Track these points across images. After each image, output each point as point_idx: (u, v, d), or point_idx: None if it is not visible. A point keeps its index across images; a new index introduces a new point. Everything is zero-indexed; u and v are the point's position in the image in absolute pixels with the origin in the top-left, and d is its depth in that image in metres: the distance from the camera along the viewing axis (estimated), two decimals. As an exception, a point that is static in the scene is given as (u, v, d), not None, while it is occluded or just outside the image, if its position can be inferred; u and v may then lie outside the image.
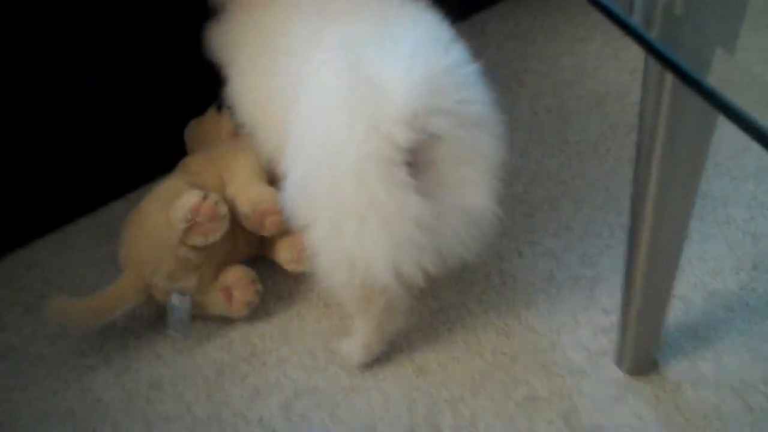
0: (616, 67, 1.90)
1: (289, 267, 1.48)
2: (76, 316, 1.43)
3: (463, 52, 1.17)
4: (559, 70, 1.90)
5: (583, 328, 1.42)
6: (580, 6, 2.07)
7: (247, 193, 1.43)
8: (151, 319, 1.50)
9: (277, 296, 1.52)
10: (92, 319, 1.44)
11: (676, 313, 1.42)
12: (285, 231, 1.41)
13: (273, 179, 1.44)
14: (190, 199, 1.38)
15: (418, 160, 1.11)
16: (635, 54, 1.89)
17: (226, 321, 1.48)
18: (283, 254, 1.48)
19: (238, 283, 1.45)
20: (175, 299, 1.43)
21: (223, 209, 1.40)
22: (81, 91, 1.56)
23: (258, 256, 1.53)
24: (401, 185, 1.10)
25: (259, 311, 1.49)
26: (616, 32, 1.93)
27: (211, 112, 1.62)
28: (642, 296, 1.27)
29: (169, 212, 1.39)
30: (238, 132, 1.53)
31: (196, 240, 1.40)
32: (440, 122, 1.09)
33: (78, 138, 1.60)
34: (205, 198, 1.38)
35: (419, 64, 1.09)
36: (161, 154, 1.59)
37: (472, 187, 1.16)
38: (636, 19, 0.98)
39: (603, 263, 1.51)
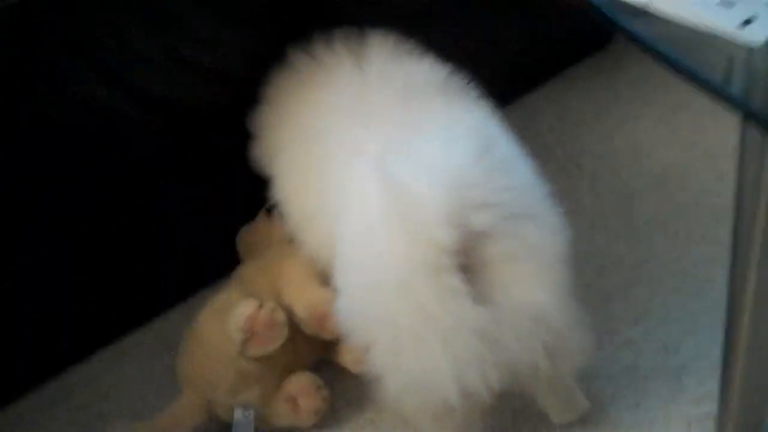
0: (673, 144, 1.86)
1: (356, 369, 1.39)
2: None
3: (505, 142, 1.14)
4: (614, 150, 1.86)
5: (675, 420, 1.35)
6: (626, 83, 2.04)
7: (303, 297, 1.39)
8: None
9: (347, 402, 1.45)
10: None
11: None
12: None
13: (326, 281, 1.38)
14: (245, 309, 1.35)
15: (468, 265, 1.05)
16: (691, 129, 1.87)
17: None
18: (348, 356, 1.41)
19: (303, 391, 1.39)
20: (239, 414, 1.37)
21: (281, 316, 1.36)
22: (130, 199, 1.53)
23: (322, 360, 1.47)
24: (454, 293, 1.05)
25: (328, 420, 1.42)
26: (668, 108, 1.94)
27: (261, 217, 1.58)
28: (742, 389, 1.18)
29: (225, 325, 1.35)
30: (289, 236, 1.48)
31: (256, 351, 1.35)
32: (483, 216, 1.05)
33: (132, 247, 1.57)
34: (260, 307, 1.35)
35: (445, 159, 1.07)
36: (216, 260, 1.56)
37: (533, 284, 1.10)
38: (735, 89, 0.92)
39: (687, 350, 1.44)
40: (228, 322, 1.35)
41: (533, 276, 1.09)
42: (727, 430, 1.24)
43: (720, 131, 1.85)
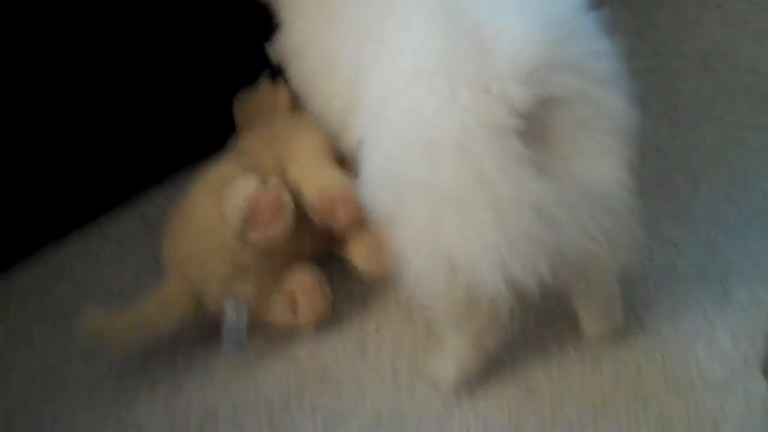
0: (721, 20, 1.70)
1: (366, 268, 1.28)
2: (114, 331, 1.25)
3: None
4: (654, 25, 1.70)
5: (719, 331, 1.22)
6: None
7: (314, 177, 1.25)
8: (202, 333, 1.31)
9: (350, 303, 1.33)
10: (134, 334, 1.26)
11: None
12: (360, 224, 1.22)
13: (342, 161, 1.26)
14: (246, 185, 1.21)
15: (532, 129, 0.92)
16: (741, 4, 1.71)
17: (291, 334, 1.30)
18: (358, 252, 1.28)
19: (303, 288, 1.27)
20: (230, 309, 1.25)
21: (286, 197, 1.22)
22: (112, 55, 1.40)
23: (326, 254, 1.34)
24: (518, 160, 0.92)
25: (329, 322, 1.30)
26: (715, -21, 1.76)
27: (264, 83, 1.42)
28: None
29: (221, 202, 1.21)
30: (297, 105, 1.35)
31: (255, 235, 1.22)
32: (564, 79, 0.92)
33: (111, 113, 1.44)
34: (263, 184, 1.21)
35: (535, 8, 0.93)
36: (207, 131, 1.43)
37: (601, 156, 0.98)
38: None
39: (734, 251, 1.31)
40: (225, 199, 1.21)
41: (603, 147, 0.98)
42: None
43: (773, 7, 1.70)
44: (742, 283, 1.26)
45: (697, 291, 1.26)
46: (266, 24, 1.29)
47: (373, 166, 1.04)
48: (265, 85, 1.42)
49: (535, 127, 0.93)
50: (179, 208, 1.28)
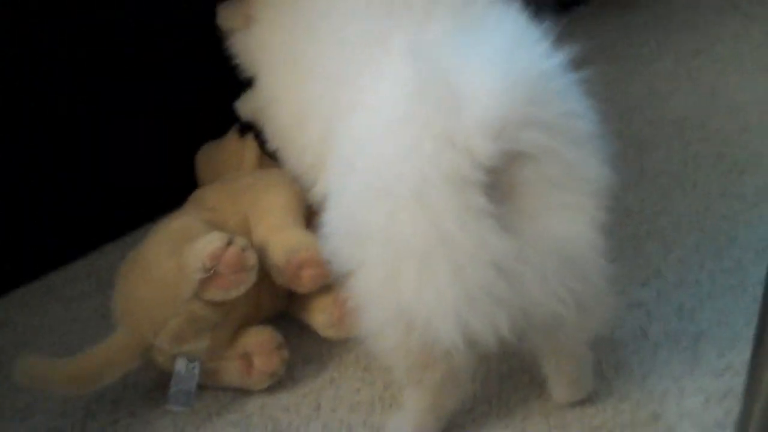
0: (692, 90, 1.70)
1: (327, 333, 1.24)
2: (54, 381, 1.17)
3: (563, 57, 0.96)
4: (627, 94, 1.70)
5: (690, 395, 1.16)
6: (640, 23, 1.90)
7: (282, 239, 1.21)
8: (147, 389, 1.25)
9: (305, 359, 1.27)
10: (75, 387, 1.18)
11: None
12: (323, 288, 1.20)
13: (310, 218, 1.23)
14: (210, 243, 1.14)
15: (497, 185, 0.89)
16: (713, 74, 1.72)
17: (242, 391, 1.23)
18: (321, 317, 1.23)
19: (260, 348, 1.21)
20: (181, 366, 1.18)
21: (251, 258, 1.16)
22: (65, 112, 1.36)
23: (282, 314, 1.29)
24: (479, 214, 0.88)
25: (282, 378, 1.24)
26: (686, 51, 1.76)
27: (231, 135, 1.39)
28: None
29: (183, 258, 1.15)
30: (264, 161, 1.33)
31: (215, 294, 1.15)
32: (535, 136, 0.89)
33: (63, 166, 1.39)
34: (229, 243, 1.14)
35: (513, 64, 0.90)
36: (165, 188, 1.38)
37: (571, 215, 0.93)
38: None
39: (705, 316, 1.26)
40: (186, 255, 1.15)
41: (574, 207, 0.94)
42: (755, 410, 1.05)
43: (743, 78, 1.71)
44: (714, 348, 1.21)
45: (668, 356, 1.21)
46: (232, 82, 1.28)
47: (336, 217, 1.01)
48: (232, 139, 1.39)
49: (503, 181, 0.90)
50: (134, 259, 1.22)
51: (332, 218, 1.02)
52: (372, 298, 0.99)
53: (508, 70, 0.90)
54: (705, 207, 1.43)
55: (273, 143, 1.26)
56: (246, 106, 1.33)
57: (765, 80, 1.68)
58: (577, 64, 0.96)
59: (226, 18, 1.30)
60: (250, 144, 1.35)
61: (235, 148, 1.38)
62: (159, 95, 1.38)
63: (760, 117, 1.60)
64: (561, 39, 0.96)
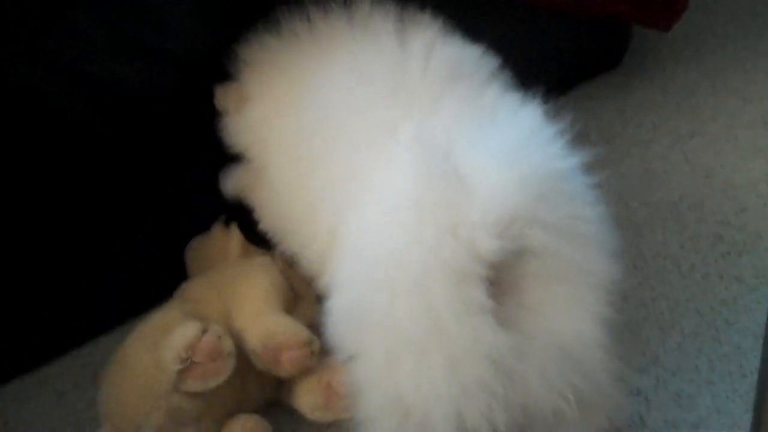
0: (688, 172, 1.68)
1: (313, 416, 1.21)
2: None
3: (576, 157, 0.96)
4: (622, 175, 1.68)
5: (689, 490, 1.13)
6: (636, 106, 1.89)
7: (258, 325, 1.19)
8: None
9: None
10: None
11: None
12: (307, 370, 1.18)
13: (290, 307, 1.22)
14: (185, 333, 1.13)
15: (498, 278, 0.88)
16: (709, 157, 1.70)
17: None
18: (306, 399, 1.21)
19: None
20: None
21: (228, 345, 1.14)
22: (59, 203, 1.34)
23: (273, 401, 1.26)
24: (477, 309, 0.87)
25: None
26: (681, 133, 1.76)
27: (216, 228, 1.39)
28: None
29: (159, 351, 1.14)
30: (248, 251, 1.32)
31: (193, 385, 1.13)
32: (540, 236, 0.88)
33: (55, 256, 1.37)
34: (204, 331, 1.13)
35: (525, 161, 0.89)
36: (161, 279, 1.36)
37: (574, 310, 0.92)
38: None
39: (704, 403, 1.24)
40: (162, 347, 1.14)
41: (574, 300, 0.92)
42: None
43: (740, 159, 1.70)
44: (713, 437, 1.18)
45: (667, 445, 1.18)
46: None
47: (340, 303, 0.99)
48: (217, 230, 1.38)
49: (504, 275, 0.89)
50: (116, 357, 1.21)
51: (336, 305, 1.00)
52: (370, 384, 0.97)
53: (518, 167, 0.89)
54: (703, 290, 1.41)
55: (274, 231, 1.25)
56: (233, 183, 1.32)
57: (761, 161, 1.67)
58: (576, 144, 0.96)
59: (221, 99, 1.30)
60: (234, 234, 1.34)
61: (220, 240, 1.37)
62: (153, 191, 1.38)
63: (757, 198, 1.59)
64: (556, 117, 0.96)
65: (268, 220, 1.26)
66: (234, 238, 1.34)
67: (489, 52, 1.17)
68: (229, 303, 1.24)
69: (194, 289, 1.29)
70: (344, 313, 0.98)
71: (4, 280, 1.34)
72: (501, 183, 0.87)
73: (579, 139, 1.69)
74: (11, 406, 1.37)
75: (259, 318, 1.20)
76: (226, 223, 1.37)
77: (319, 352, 1.17)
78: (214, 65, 1.28)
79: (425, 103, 1.08)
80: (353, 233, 1.01)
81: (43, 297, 1.38)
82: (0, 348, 1.37)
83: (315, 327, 1.12)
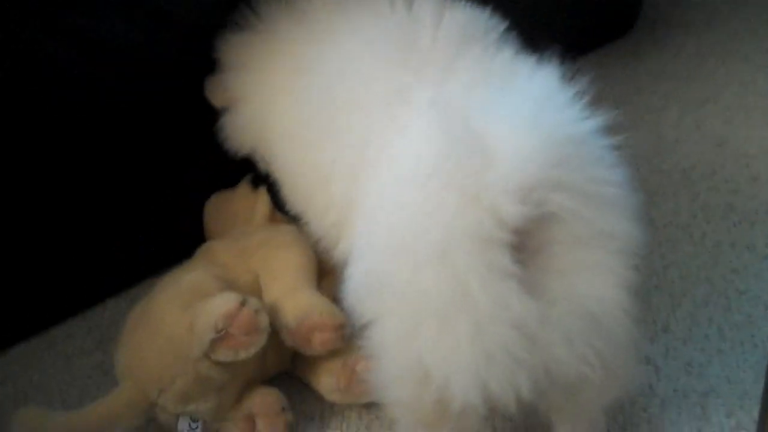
0: (699, 140, 1.68)
1: (331, 397, 1.20)
2: None
3: (599, 120, 0.94)
4: (634, 143, 1.65)
5: (699, 456, 1.13)
6: (647, 73, 1.88)
7: (294, 302, 1.18)
8: None
9: (307, 417, 1.23)
10: None
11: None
12: (333, 351, 1.18)
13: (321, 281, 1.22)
14: (224, 303, 1.11)
15: (522, 245, 0.87)
16: (720, 125, 1.69)
17: None
18: (327, 380, 1.20)
19: (265, 411, 1.17)
20: (183, 425, 1.16)
21: (264, 320, 1.13)
22: (69, 164, 1.32)
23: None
24: (502, 275, 0.86)
25: None
26: (693, 100, 1.75)
27: (243, 187, 1.36)
28: None
29: (194, 317, 1.12)
30: (275, 217, 1.30)
31: (224, 355, 1.12)
32: (563, 200, 0.87)
33: (64, 219, 1.35)
34: (243, 304, 1.11)
35: (545, 125, 0.88)
36: (168, 242, 1.36)
37: (596, 273, 0.91)
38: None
39: (714, 373, 1.23)
40: (198, 313, 1.12)
41: (599, 265, 0.91)
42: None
43: (752, 128, 1.69)
44: (723, 406, 1.18)
45: (677, 414, 1.18)
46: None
47: (360, 270, 0.99)
48: (243, 190, 1.36)
49: (529, 240, 0.88)
50: (142, 313, 1.19)
51: (355, 272, 1.00)
52: (390, 349, 0.97)
53: (539, 132, 0.88)
54: (714, 259, 1.40)
55: (292, 203, 1.24)
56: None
57: (774, 130, 1.67)
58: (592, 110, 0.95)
59: (210, 93, 1.29)
60: (262, 197, 1.32)
61: (246, 201, 1.35)
62: (163, 143, 1.36)
63: (768, 165, 1.58)
64: (572, 81, 0.95)
65: (289, 196, 1.25)
66: (262, 200, 1.32)
67: (499, 17, 1.16)
68: (260, 272, 1.23)
69: (219, 252, 1.28)
70: (365, 280, 0.98)
71: (11, 243, 1.33)
72: (522, 148, 0.86)
73: (592, 104, 1.70)
74: (18, 369, 1.37)
75: (294, 295, 1.19)
76: (254, 184, 1.34)
77: (350, 335, 1.16)
78: (216, 28, 1.26)
79: (438, 67, 1.07)
80: (372, 200, 1.01)
81: (51, 259, 1.37)
82: (7, 311, 1.37)
83: (338, 302, 1.12)
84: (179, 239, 1.36)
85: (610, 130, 0.96)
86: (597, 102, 1.61)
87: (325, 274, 1.23)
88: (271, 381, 1.23)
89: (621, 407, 1.18)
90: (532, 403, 0.94)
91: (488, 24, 1.14)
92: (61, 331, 1.41)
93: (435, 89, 1.01)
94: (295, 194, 1.22)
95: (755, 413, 1.06)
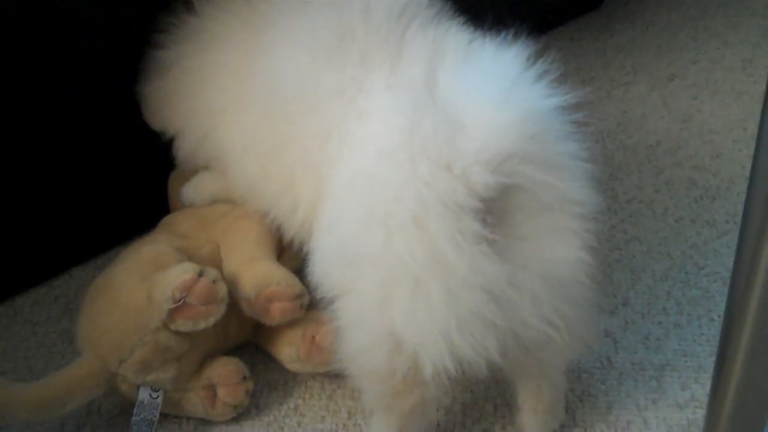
0: (666, 116, 1.70)
1: (291, 366, 1.21)
2: (16, 407, 1.12)
3: (566, 96, 0.96)
4: (600, 118, 1.68)
5: (654, 427, 1.15)
6: (616, 47, 1.89)
7: (252, 272, 1.18)
8: (111, 415, 1.22)
9: (270, 386, 1.24)
10: (37, 414, 1.14)
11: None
12: (292, 322, 1.19)
13: (277, 254, 1.22)
14: (181, 274, 1.12)
15: (491, 210, 0.90)
16: (686, 101, 1.70)
17: (205, 420, 1.20)
18: (287, 350, 1.21)
19: (225, 380, 1.18)
20: (144, 395, 1.15)
21: (222, 290, 1.13)
22: (34, 131, 1.31)
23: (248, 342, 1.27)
24: (474, 240, 0.89)
25: (247, 406, 1.21)
26: (661, 76, 1.76)
27: None
28: (739, 391, 1.00)
29: (153, 287, 1.12)
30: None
31: (183, 325, 1.12)
32: (531, 172, 0.90)
33: (30, 188, 1.34)
34: (200, 274, 1.12)
35: (515, 100, 0.90)
36: (135, 211, 1.36)
37: (561, 237, 0.94)
38: None
39: (671, 346, 1.25)
40: (156, 284, 1.13)
41: (563, 229, 0.95)
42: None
43: (718, 105, 1.71)
44: (678, 379, 1.20)
45: (633, 386, 1.20)
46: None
47: (330, 242, 1.00)
48: None
49: (496, 207, 0.90)
50: (102, 284, 1.19)
51: (325, 243, 1.01)
52: (361, 320, 0.98)
53: (510, 106, 0.90)
54: (675, 234, 1.42)
55: (259, 208, 1.23)
56: (200, 193, 1.31)
57: (738, 106, 1.68)
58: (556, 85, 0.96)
59: (149, 117, 1.30)
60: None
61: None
62: (130, 117, 1.35)
63: (733, 144, 1.60)
64: (536, 58, 0.96)
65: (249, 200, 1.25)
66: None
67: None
68: (220, 243, 1.23)
69: (181, 223, 1.28)
70: (333, 251, 1.00)
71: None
72: (495, 121, 0.89)
73: (560, 80, 1.71)
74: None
75: (253, 265, 1.19)
76: None
77: (308, 305, 1.17)
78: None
79: (383, 52, 1.07)
80: (342, 182, 1.02)
81: (17, 228, 1.36)
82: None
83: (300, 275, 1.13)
84: (145, 208, 1.35)
85: (577, 106, 0.98)
86: (566, 77, 1.62)
87: (285, 247, 1.24)
88: (235, 351, 1.24)
89: (579, 378, 1.21)
90: (498, 365, 0.96)
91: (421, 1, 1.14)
92: (28, 299, 1.40)
93: (390, 73, 1.03)
94: (261, 199, 1.21)
95: (709, 387, 1.08)
